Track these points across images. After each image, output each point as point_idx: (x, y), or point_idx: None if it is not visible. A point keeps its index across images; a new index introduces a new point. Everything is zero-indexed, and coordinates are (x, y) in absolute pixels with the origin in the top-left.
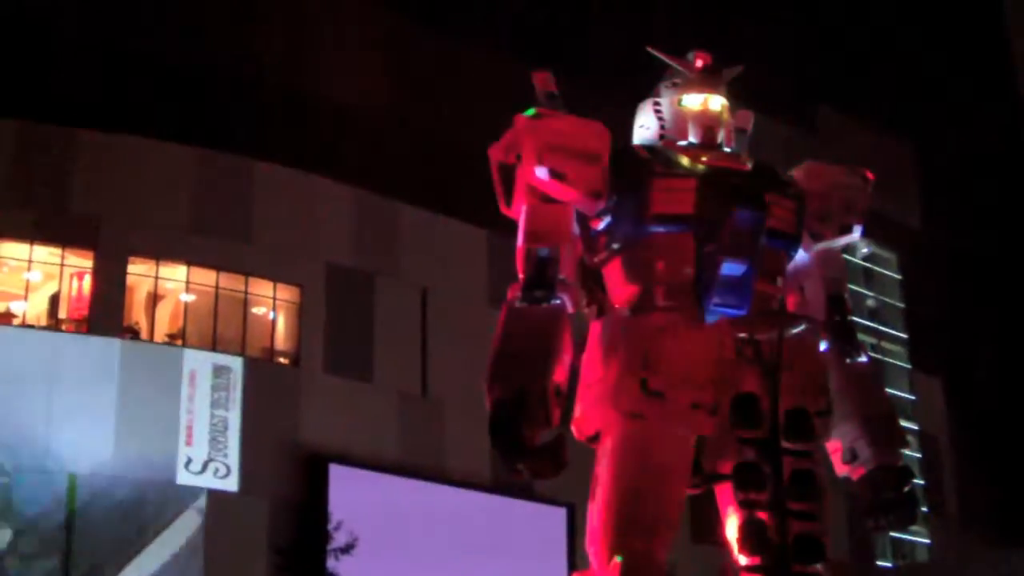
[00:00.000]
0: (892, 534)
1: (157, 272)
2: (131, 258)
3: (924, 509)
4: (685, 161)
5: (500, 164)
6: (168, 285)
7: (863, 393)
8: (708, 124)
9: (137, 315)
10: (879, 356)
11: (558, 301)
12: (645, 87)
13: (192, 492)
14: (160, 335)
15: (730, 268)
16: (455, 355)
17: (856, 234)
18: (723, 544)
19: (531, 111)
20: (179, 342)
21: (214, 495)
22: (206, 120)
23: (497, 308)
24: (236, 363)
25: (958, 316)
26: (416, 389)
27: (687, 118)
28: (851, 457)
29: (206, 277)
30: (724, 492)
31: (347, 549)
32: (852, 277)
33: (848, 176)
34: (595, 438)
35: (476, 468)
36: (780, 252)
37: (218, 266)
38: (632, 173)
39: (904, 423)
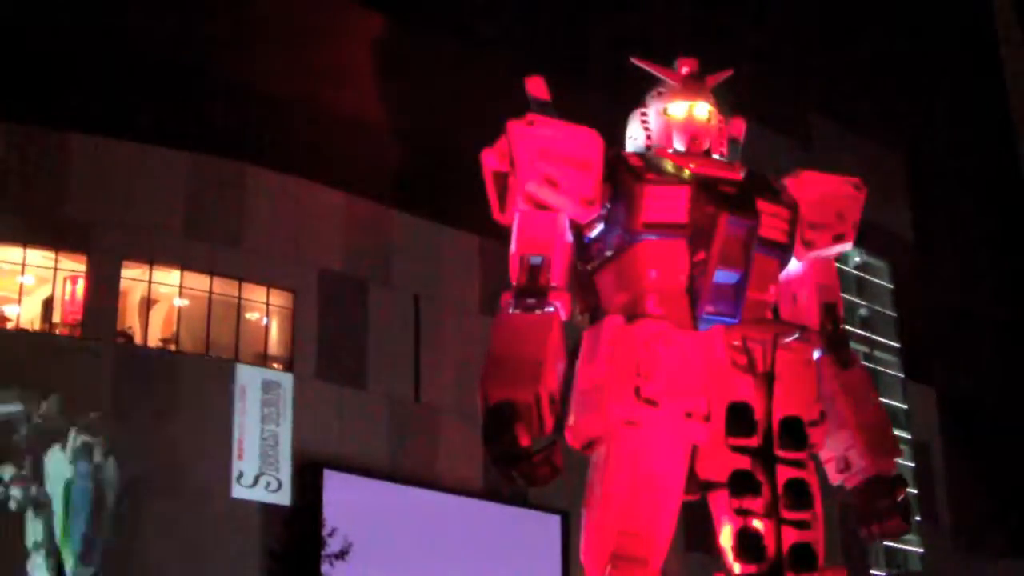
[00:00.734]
0: (885, 543)
1: (151, 276)
2: (124, 262)
3: (917, 518)
4: (677, 169)
5: (493, 171)
6: (162, 290)
7: (856, 402)
8: (694, 132)
9: (131, 319)
10: (872, 365)
11: (551, 308)
12: (641, 95)
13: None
14: (153, 340)
15: (723, 276)
16: (448, 362)
17: (848, 243)
18: (717, 552)
19: (524, 118)
20: (172, 347)
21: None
22: (200, 126)
23: (490, 315)
24: (286, 379)
25: (951, 325)
26: (409, 395)
27: (672, 127)
28: (845, 466)
29: (200, 282)
30: (718, 500)
31: (341, 555)
32: (845, 286)
33: (841, 185)
34: (589, 445)
35: (469, 475)
36: (773, 260)
37: (211, 271)
38: (625, 181)
39: (897, 432)
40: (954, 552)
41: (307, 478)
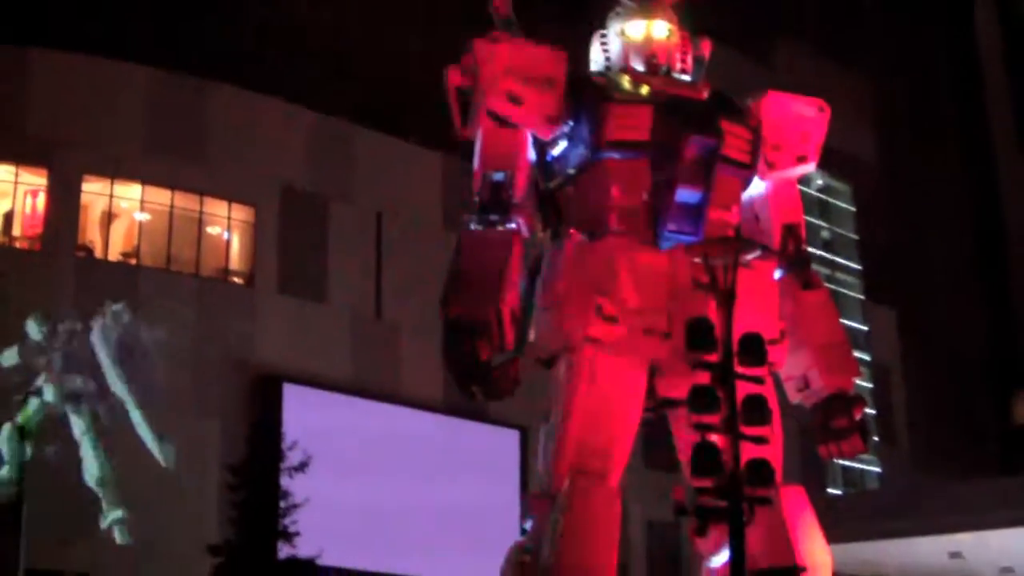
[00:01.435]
0: (842, 462)
1: (112, 191)
2: (85, 176)
3: (875, 438)
4: (641, 88)
5: (457, 88)
6: (122, 204)
7: (816, 322)
8: (651, 51)
9: (91, 234)
10: (833, 287)
11: (512, 225)
12: (603, 15)
13: None
14: (114, 254)
15: (685, 195)
16: (409, 277)
17: (812, 165)
18: (675, 468)
19: (488, 36)
20: (133, 261)
21: None
22: (161, 40)
23: (452, 231)
24: None
25: (912, 248)
26: (370, 311)
27: (630, 47)
28: (804, 385)
29: (161, 196)
30: (678, 416)
31: (301, 467)
32: (807, 208)
33: (805, 107)
34: (550, 361)
35: (429, 390)
36: (735, 180)
37: (172, 185)
38: (588, 99)
39: (857, 353)
40: (912, 473)
41: (267, 391)
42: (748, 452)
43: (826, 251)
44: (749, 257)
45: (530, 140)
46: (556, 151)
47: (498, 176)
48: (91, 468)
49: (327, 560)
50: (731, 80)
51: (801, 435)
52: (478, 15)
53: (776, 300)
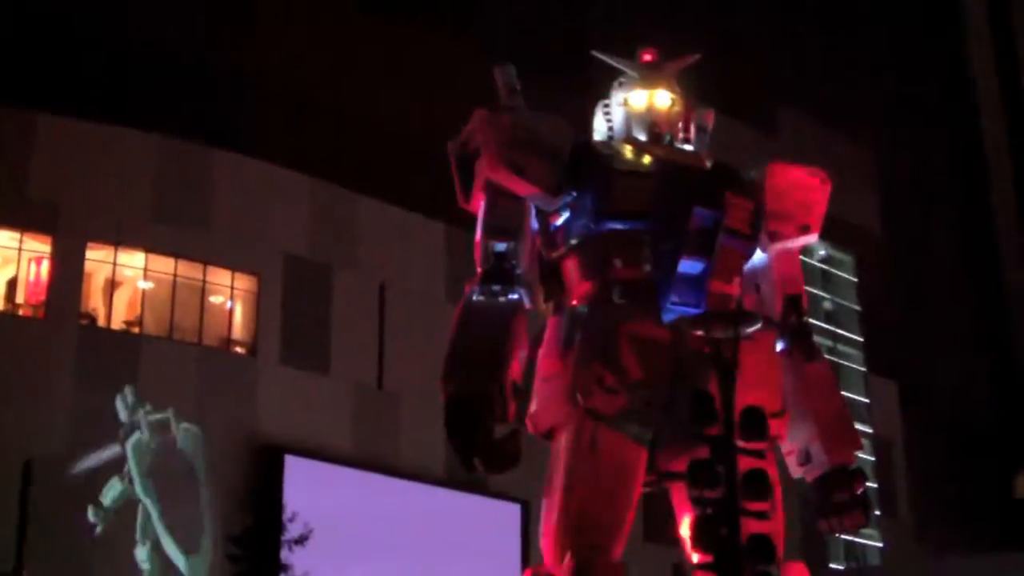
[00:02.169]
0: (844, 536)
1: (115, 258)
2: (89, 244)
3: (876, 512)
4: (643, 158)
5: (460, 158)
6: (126, 272)
7: (818, 395)
8: (654, 121)
9: (95, 301)
10: (834, 358)
11: (515, 296)
12: (607, 85)
13: None
14: (117, 322)
15: (687, 266)
16: (411, 349)
17: (814, 235)
18: (676, 542)
19: (492, 106)
20: (136, 329)
21: None
22: (166, 108)
23: (455, 302)
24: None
25: (914, 320)
26: (372, 382)
27: (632, 117)
28: (806, 459)
29: (164, 264)
30: (678, 490)
31: (301, 540)
32: (809, 279)
33: (808, 177)
34: (550, 434)
35: (430, 462)
36: (738, 252)
37: (176, 253)
38: (591, 170)
39: (858, 426)
40: (914, 547)
41: (268, 462)
42: (749, 527)
43: (828, 322)
44: (750, 330)
45: (533, 210)
46: (558, 221)
47: (500, 247)
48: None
49: None
50: (734, 149)
51: (802, 509)
52: (483, 85)
53: (778, 372)
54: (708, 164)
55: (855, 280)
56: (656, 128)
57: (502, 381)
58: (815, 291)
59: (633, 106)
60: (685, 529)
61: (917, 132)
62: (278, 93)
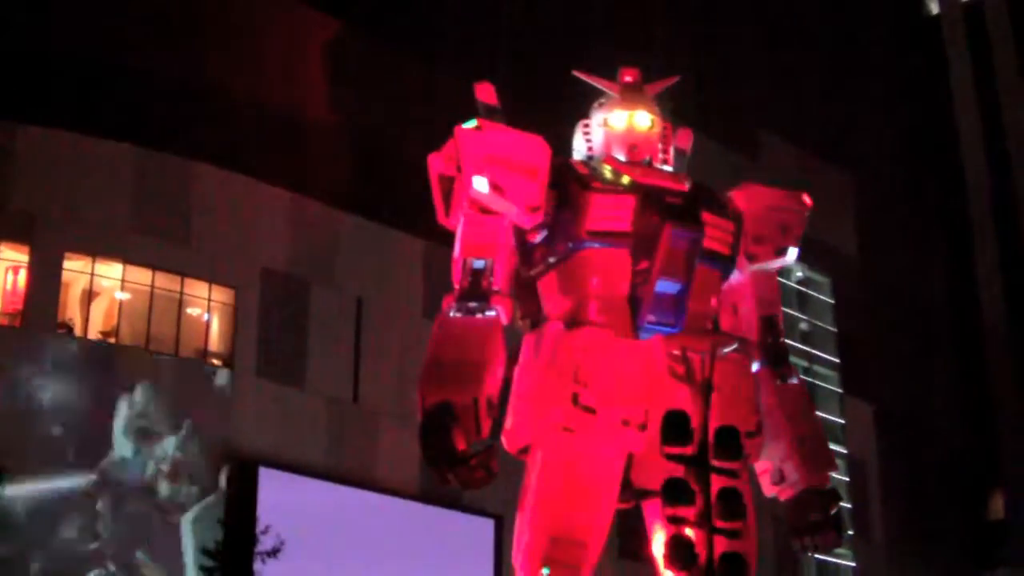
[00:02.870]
0: (817, 556)
1: (93, 269)
2: (67, 254)
3: (850, 532)
4: (622, 179)
5: (440, 175)
6: (104, 283)
7: (793, 415)
8: (633, 142)
9: (72, 311)
10: (810, 379)
11: (492, 312)
12: (588, 104)
13: None
14: (94, 332)
15: (665, 286)
16: (388, 364)
17: (791, 257)
18: (649, 560)
19: (472, 123)
20: (112, 340)
21: None
22: (146, 120)
23: (432, 319)
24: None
25: (889, 342)
26: (347, 396)
27: (612, 138)
28: (779, 478)
29: (142, 276)
30: (652, 508)
31: (274, 552)
32: (786, 300)
33: (786, 200)
34: (525, 450)
35: (405, 477)
36: (715, 272)
37: (154, 265)
38: (570, 189)
39: (833, 446)
40: (887, 567)
41: (243, 475)
42: (722, 546)
43: (804, 343)
44: (727, 350)
45: (511, 228)
46: (537, 239)
47: (478, 264)
48: None
49: None
50: (712, 171)
51: (776, 528)
52: (462, 103)
53: (753, 392)
54: (687, 185)
55: (831, 302)
56: (635, 149)
57: (478, 396)
58: (792, 312)
59: (613, 126)
60: (658, 547)
61: (895, 156)
62: (258, 108)
